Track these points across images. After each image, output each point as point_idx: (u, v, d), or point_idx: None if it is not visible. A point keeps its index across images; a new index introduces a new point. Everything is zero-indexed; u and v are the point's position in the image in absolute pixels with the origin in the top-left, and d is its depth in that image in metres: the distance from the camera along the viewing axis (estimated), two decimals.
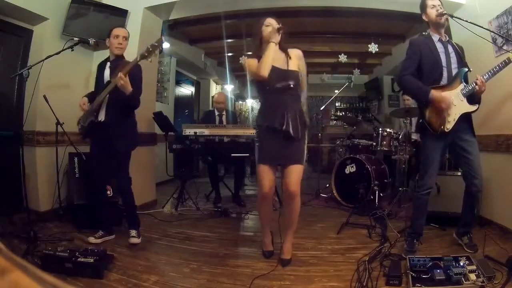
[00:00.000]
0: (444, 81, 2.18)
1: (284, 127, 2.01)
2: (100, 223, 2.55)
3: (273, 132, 2.06)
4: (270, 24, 2.08)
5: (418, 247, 2.29)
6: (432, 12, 2.18)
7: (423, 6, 2.24)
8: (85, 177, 2.90)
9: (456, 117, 2.12)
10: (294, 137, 2.03)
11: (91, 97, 2.47)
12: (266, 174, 2.10)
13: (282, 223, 2.25)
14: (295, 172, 2.08)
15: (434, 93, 2.09)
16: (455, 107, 2.13)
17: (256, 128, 2.21)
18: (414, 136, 3.82)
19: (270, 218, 2.29)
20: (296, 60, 2.14)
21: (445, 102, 2.08)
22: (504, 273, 1.81)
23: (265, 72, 1.99)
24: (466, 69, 2.16)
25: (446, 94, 2.11)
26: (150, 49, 2.12)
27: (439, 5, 2.17)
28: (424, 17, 2.27)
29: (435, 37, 2.21)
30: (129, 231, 2.44)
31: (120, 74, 2.14)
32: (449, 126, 2.12)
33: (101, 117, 2.38)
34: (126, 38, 2.44)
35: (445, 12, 2.22)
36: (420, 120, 2.30)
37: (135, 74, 2.32)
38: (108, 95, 2.33)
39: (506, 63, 2.07)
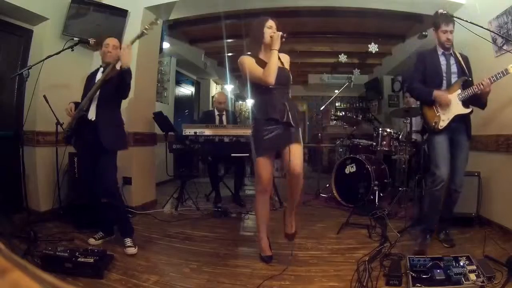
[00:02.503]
0: (443, 87, 2.38)
1: (284, 119, 2.05)
2: (99, 224, 2.54)
3: (270, 126, 2.08)
4: (272, 27, 2.10)
5: (430, 241, 2.37)
6: (442, 37, 2.36)
7: (436, 25, 2.37)
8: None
9: (450, 117, 2.32)
10: (294, 126, 2.09)
11: (77, 106, 2.43)
12: (265, 166, 2.11)
13: (286, 204, 2.34)
14: (297, 152, 2.07)
15: (436, 92, 2.33)
16: (450, 109, 2.32)
17: (252, 123, 2.22)
18: (414, 136, 3.82)
19: (267, 217, 2.25)
20: (285, 63, 2.23)
21: (445, 96, 2.30)
22: (504, 273, 1.81)
23: (272, 79, 2.02)
24: (465, 78, 2.34)
25: (448, 96, 2.31)
26: (148, 27, 2.28)
27: (450, 31, 2.33)
28: (434, 34, 2.43)
29: (439, 51, 2.42)
30: (124, 240, 2.35)
31: (127, 43, 2.22)
32: (442, 124, 2.33)
33: (91, 115, 2.37)
34: (115, 47, 2.45)
35: (445, 12, 2.25)
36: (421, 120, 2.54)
37: None
38: (98, 94, 2.34)
39: (504, 74, 2.15)
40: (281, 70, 2.13)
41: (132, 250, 2.29)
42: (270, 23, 2.11)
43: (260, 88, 2.12)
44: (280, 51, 2.11)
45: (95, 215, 2.57)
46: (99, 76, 2.43)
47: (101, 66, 2.49)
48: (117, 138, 2.44)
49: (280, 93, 2.12)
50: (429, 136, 2.45)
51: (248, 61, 2.11)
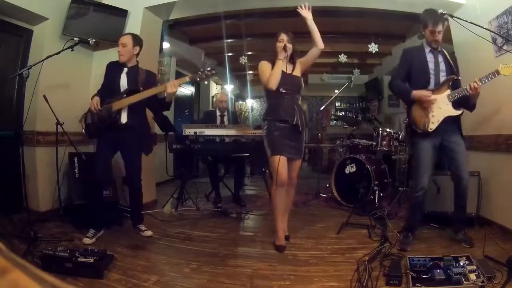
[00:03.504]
0: (431, 86, 2.34)
1: (294, 121, 2.37)
2: (94, 222, 2.54)
3: (281, 127, 2.38)
4: (282, 40, 2.41)
5: (411, 240, 2.43)
6: (429, 37, 2.33)
7: (424, 24, 2.33)
8: (85, 177, 2.90)
9: (440, 119, 2.28)
10: (300, 130, 2.41)
11: (102, 95, 2.53)
12: (282, 163, 2.34)
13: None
14: (298, 165, 2.54)
15: (415, 92, 2.30)
16: (440, 110, 2.28)
17: (265, 123, 2.48)
18: None
19: (284, 209, 2.50)
20: (300, 66, 2.52)
21: (424, 96, 2.25)
22: (504, 273, 1.81)
23: (273, 85, 2.35)
24: (454, 76, 2.30)
25: (431, 95, 2.27)
26: (203, 76, 2.40)
27: (439, 31, 2.28)
28: (422, 31, 2.41)
29: (427, 48, 2.39)
30: (139, 226, 2.66)
31: (175, 82, 2.43)
32: (432, 126, 2.28)
33: (124, 119, 2.48)
34: (123, 45, 2.50)
35: (445, 12, 2.24)
36: (407, 120, 2.49)
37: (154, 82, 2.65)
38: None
39: (494, 75, 2.14)
40: (293, 77, 2.46)
41: (149, 232, 2.63)
42: (282, 36, 2.42)
43: (274, 93, 2.39)
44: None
45: (92, 214, 2.57)
46: (123, 78, 2.52)
47: (124, 66, 2.55)
48: (150, 143, 2.74)
49: (291, 98, 2.42)
50: (415, 139, 2.40)
51: (262, 66, 2.45)
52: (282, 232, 2.45)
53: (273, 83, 2.34)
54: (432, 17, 2.27)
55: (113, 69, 2.57)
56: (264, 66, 2.44)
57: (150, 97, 2.44)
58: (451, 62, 2.34)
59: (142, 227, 2.67)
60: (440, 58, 2.36)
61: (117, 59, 2.56)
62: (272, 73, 2.36)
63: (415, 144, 2.40)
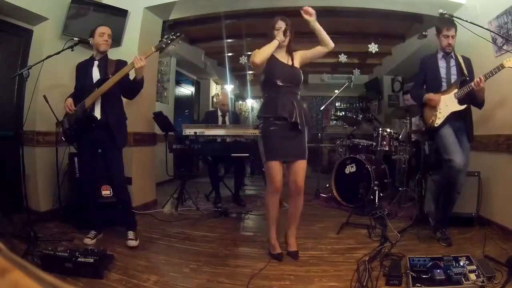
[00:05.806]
0: (443, 89, 2.50)
1: (293, 118, 2.13)
2: (93, 224, 2.54)
3: (278, 126, 2.15)
4: (280, 28, 2.19)
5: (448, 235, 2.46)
6: (443, 41, 2.45)
7: (438, 29, 2.48)
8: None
9: (446, 115, 2.44)
10: (300, 129, 2.16)
11: (74, 98, 2.44)
12: (276, 168, 2.16)
13: (287, 218, 2.36)
14: (302, 168, 2.21)
15: (427, 95, 2.53)
16: (447, 107, 2.44)
17: (260, 122, 2.26)
18: (414, 136, 3.82)
19: (277, 217, 2.29)
20: (298, 58, 2.28)
21: (433, 99, 2.47)
22: (504, 273, 1.81)
23: (257, 59, 2.07)
24: (463, 78, 2.42)
25: (439, 97, 2.46)
26: (169, 42, 2.29)
27: (452, 36, 2.40)
28: (436, 37, 2.53)
29: (440, 54, 2.54)
30: (127, 232, 2.46)
31: (140, 56, 2.26)
32: (438, 121, 2.46)
33: (98, 114, 2.40)
34: (110, 36, 2.49)
35: (445, 12, 2.25)
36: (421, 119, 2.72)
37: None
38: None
39: (499, 69, 2.20)
40: (292, 69, 2.23)
41: (133, 243, 2.38)
42: (279, 24, 2.21)
43: (270, 86, 2.20)
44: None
45: (90, 216, 2.58)
46: (95, 71, 2.44)
47: (94, 59, 2.48)
48: (125, 135, 2.54)
49: (290, 92, 2.19)
50: (435, 133, 2.50)
51: (255, 51, 2.17)
52: (274, 241, 2.27)
53: (258, 58, 2.07)
54: (446, 22, 2.39)
55: (84, 67, 2.48)
56: (256, 50, 2.17)
57: (123, 82, 2.34)
58: (462, 65, 2.44)
59: (130, 234, 2.44)
60: (452, 63, 2.49)
61: (86, 59, 2.52)
62: (262, 48, 2.10)
63: (437, 135, 2.47)
